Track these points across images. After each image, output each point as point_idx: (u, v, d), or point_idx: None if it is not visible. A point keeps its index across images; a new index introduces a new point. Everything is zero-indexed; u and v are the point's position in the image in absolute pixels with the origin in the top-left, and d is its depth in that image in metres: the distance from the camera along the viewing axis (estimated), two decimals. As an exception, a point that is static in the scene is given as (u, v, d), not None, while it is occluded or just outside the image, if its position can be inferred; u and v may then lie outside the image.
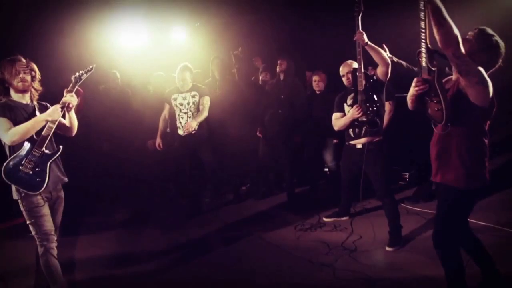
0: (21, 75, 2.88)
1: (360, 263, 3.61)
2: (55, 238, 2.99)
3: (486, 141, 2.57)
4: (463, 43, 2.42)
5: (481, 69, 2.40)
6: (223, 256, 3.99)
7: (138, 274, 3.71)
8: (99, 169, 5.62)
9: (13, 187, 2.91)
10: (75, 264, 3.90)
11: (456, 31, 2.30)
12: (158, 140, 5.24)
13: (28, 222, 2.92)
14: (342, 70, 4.18)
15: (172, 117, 5.14)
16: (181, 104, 4.94)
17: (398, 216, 3.95)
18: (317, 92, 5.44)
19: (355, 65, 4.16)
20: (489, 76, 2.46)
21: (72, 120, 3.12)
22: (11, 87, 2.92)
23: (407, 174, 5.88)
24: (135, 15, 6.70)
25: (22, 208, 2.92)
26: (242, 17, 7.20)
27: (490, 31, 2.51)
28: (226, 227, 4.72)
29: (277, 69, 5.54)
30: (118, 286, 3.58)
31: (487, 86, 2.41)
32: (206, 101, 4.93)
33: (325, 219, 4.69)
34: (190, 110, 4.92)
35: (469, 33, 2.54)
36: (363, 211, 4.79)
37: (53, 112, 2.89)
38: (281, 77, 5.54)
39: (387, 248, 3.83)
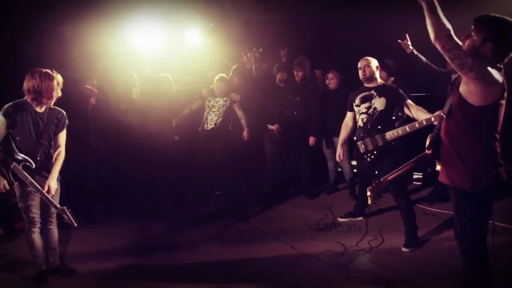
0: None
1: (375, 263, 3.59)
2: (38, 223, 3.40)
3: (495, 140, 2.38)
4: (465, 41, 2.31)
5: (482, 64, 2.20)
6: (236, 254, 4.00)
7: (152, 265, 3.81)
8: (113, 168, 5.68)
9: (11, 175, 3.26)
10: (89, 255, 4.06)
11: (445, 23, 2.19)
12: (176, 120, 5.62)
13: (19, 205, 3.33)
14: (360, 63, 4.06)
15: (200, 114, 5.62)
16: (213, 106, 5.50)
17: (413, 216, 3.91)
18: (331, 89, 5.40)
19: (375, 62, 4.07)
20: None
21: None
22: (43, 98, 3.18)
23: (421, 174, 5.80)
24: (149, 18, 6.77)
25: (16, 194, 3.31)
26: (256, 17, 7.20)
27: (488, 15, 2.28)
28: (241, 226, 4.74)
29: (294, 72, 5.49)
30: (130, 275, 3.66)
31: (489, 83, 2.20)
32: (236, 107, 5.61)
33: (340, 219, 4.67)
34: (219, 112, 5.49)
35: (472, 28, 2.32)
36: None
37: None
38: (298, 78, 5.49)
39: (403, 249, 3.80)
